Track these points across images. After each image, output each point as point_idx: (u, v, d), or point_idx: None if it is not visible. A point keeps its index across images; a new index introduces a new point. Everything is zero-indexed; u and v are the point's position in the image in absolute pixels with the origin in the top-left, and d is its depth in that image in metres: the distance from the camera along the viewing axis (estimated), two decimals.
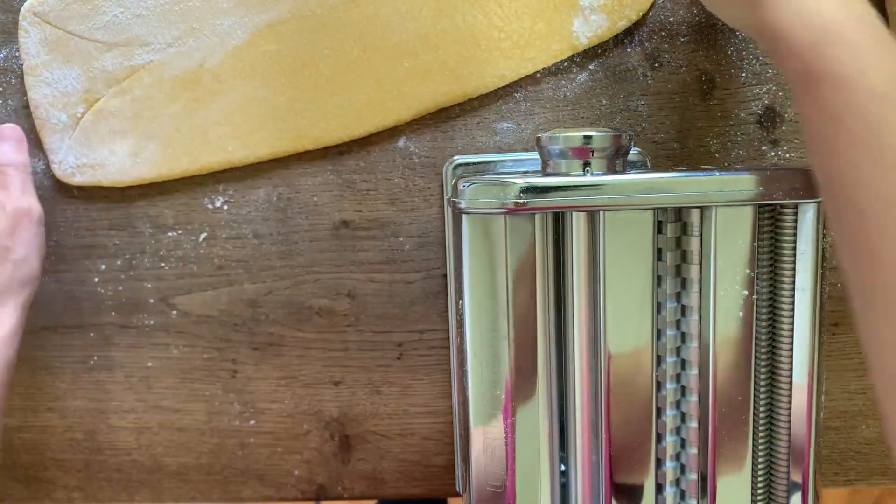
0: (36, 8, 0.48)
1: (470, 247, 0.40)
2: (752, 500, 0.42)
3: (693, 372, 0.41)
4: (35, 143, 0.50)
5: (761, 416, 0.41)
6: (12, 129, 0.48)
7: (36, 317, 0.53)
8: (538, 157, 0.42)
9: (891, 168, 0.29)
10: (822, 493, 0.43)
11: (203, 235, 0.51)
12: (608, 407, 0.41)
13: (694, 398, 0.41)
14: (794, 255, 0.40)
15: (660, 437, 0.42)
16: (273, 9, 0.46)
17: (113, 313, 0.53)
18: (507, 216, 0.39)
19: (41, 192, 0.52)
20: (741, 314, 0.40)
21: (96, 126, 0.49)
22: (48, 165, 0.50)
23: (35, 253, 0.47)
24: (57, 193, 0.52)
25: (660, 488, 0.42)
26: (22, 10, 0.48)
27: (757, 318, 0.40)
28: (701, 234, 0.40)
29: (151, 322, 0.53)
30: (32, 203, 0.47)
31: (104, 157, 0.49)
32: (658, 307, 0.41)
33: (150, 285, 0.52)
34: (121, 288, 0.52)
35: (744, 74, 0.48)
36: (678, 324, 0.41)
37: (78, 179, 0.50)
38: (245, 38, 0.46)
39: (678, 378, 0.42)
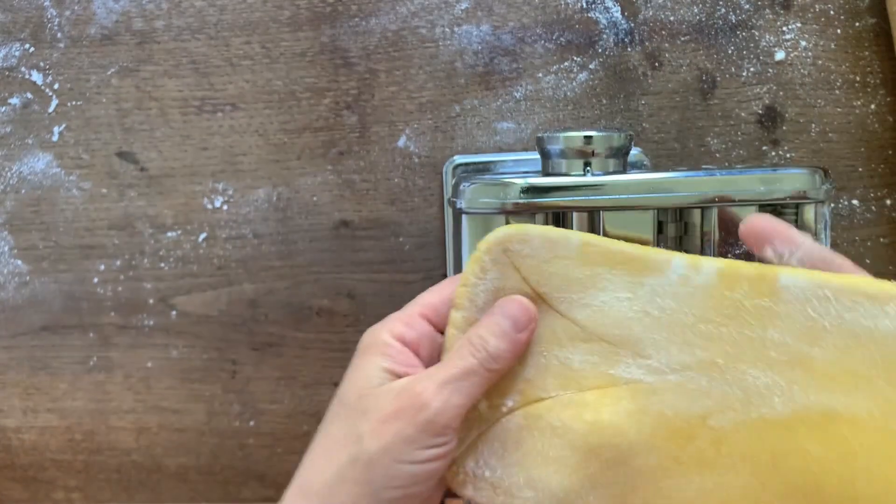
0: (513, 245, 0.34)
1: (470, 247, 0.40)
2: None
3: None
4: None
5: None
6: None
7: (36, 317, 0.53)
8: (538, 157, 0.42)
9: None
10: None
11: (203, 235, 0.51)
12: None
13: None
14: None
15: None
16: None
17: (112, 314, 0.53)
18: (507, 216, 0.39)
19: (41, 190, 0.52)
20: None
21: (523, 436, 0.33)
22: (47, 164, 0.50)
23: None
24: (57, 193, 0.52)
25: None
26: (493, 236, 0.34)
27: None
28: (702, 234, 0.40)
29: (151, 322, 0.53)
30: None
31: (515, 484, 0.33)
32: None
33: (149, 285, 0.52)
34: (120, 288, 0.52)
35: (744, 74, 0.47)
36: None
37: (469, 492, 0.34)
38: (772, 414, 0.31)
39: None
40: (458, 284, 0.34)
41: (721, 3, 0.47)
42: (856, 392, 0.30)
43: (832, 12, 0.47)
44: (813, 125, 0.48)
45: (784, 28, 0.47)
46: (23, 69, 0.51)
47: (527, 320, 0.33)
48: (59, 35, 0.50)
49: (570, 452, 0.33)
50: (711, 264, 0.32)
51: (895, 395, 0.30)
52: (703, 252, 0.40)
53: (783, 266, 0.32)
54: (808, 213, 0.39)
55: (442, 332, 0.34)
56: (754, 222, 0.34)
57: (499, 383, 0.33)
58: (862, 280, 0.31)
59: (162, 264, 0.52)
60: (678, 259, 0.33)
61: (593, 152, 0.40)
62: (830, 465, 0.30)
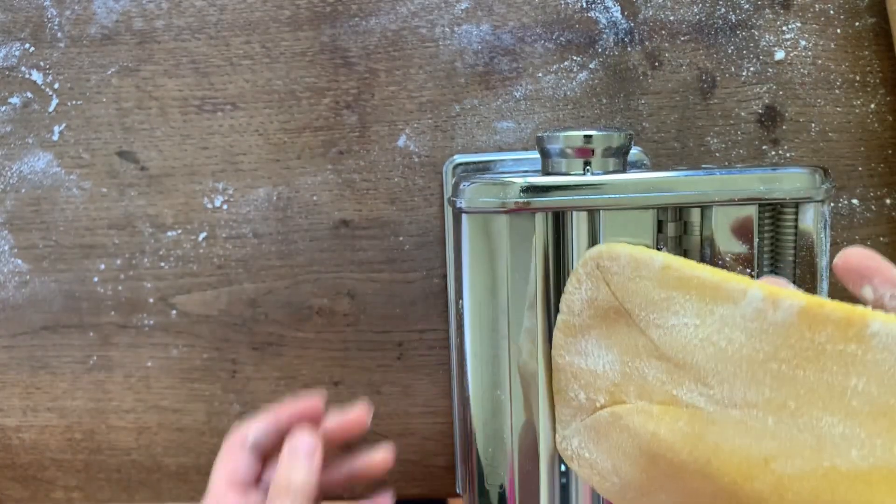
0: (604, 262, 0.37)
1: (470, 247, 0.40)
2: None
3: None
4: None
5: None
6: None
7: (36, 317, 0.53)
8: (538, 156, 0.42)
9: None
10: None
11: (203, 235, 0.51)
12: None
13: None
14: (795, 255, 0.40)
15: None
16: None
17: (112, 313, 0.53)
18: (507, 216, 0.39)
19: (41, 189, 0.52)
20: None
21: (610, 430, 0.36)
22: (47, 164, 0.50)
23: None
24: (57, 192, 0.52)
25: None
26: (589, 252, 0.37)
27: None
28: (701, 234, 0.40)
29: (151, 322, 0.53)
30: None
31: (606, 468, 0.37)
32: None
33: (149, 285, 0.52)
34: (120, 288, 0.52)
35: (744, 74, 0.48)
36: None
37: (575, 465, 0.39)
38: (848, 466, 0.29)
39: None
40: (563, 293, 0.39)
41: (721, 2, 0.47)
42: None
43: (832, 12, 0.47)
44: (813, 124, 0.48)
45: (784, 28, 0.47)
46: (23, 69, 0.51)
47: (311, 449, 0.39)
48: (59, 35, 0.50)
49: (639, 454, 0.35)
50: (792, 301, 0.30)
51: None
52: (702, 252, 0.40)
53: (875, 310, 0.29)
54: (808, 212, 0.39)
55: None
56: (852, 258, 0.31)
57: (594, 382, 0.37)
58: None
59: (162, 264, 0.52)
60: (755, 291, 0.31)
61: (593, 152, 0.40)
62: None
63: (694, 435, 0.33)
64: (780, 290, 0.31)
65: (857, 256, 0.31)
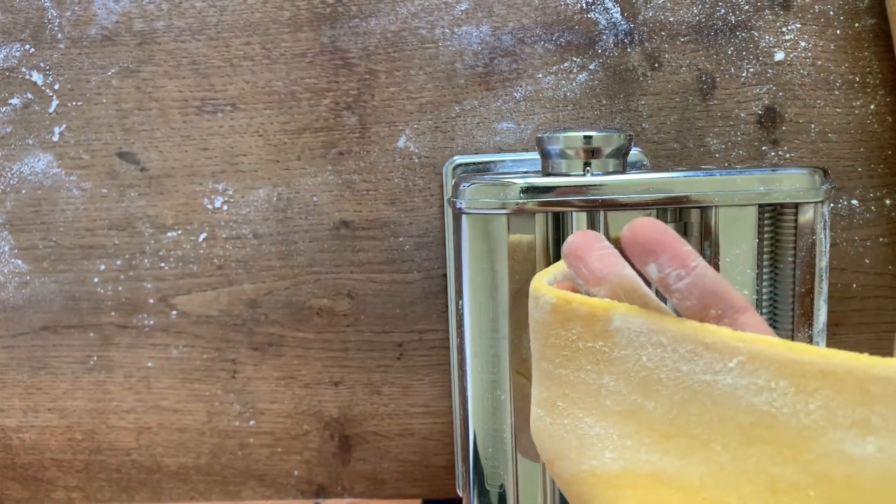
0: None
1: (470, 247, 0.40)
2: None
3: None
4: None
5: None
6: None
7: (36, 317, 0.53)
8: (538, 157, 0.42)
9: None
10: None
11: (203, 235, 0.51)
12: None
13: None
14: (795, 255, 0.40)
15: None
16: None
17: (112, 313, 0.53)
18: (507, 216, 0.39)
19: (41, 190, 0.52)
20: None
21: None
22: (47, 165, 0.50)
23: None
24: (57, 193, 0.52)
25: None
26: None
27: None
28: (701, 234, 0.40)
29: (151, 322, 0.53)
30: None
31: None
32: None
33: (149, 285, 0.52)
34: (120, 288, 0.52)
35: (744, 74, 0.48)
36: None
37: None
38: (602, 469, 0.28)
39: None
40: None
41: (721, 3, 0.47)
42: (690, 455, 0.26)
43: (832, 13, 0.47)
44: (812, 125, 0.48)
45: (783, 28, 0.47)
46: (23, 70, 0.51)
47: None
48: (59, 36, 0.50)
49: None
50: (547, 298, 0.29)
51: (729, 463, 0.25)
52: (703, 253, 0.40)
53: (617, 304, 0.27)
54: (808, 213, 0.39)
55: None
56: (639, 230, 0.27)
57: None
58: (703, 328, 0.26)
59: (162, 264, 0.52)
60: (533, 285, 0.30)
61: (593, 152, 0.40)
62: None
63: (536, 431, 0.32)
64: (541, 286, 0.29)
65: (645, 228, 0.27)
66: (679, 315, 0.27)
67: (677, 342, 0.26)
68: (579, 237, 0.30)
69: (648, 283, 0.28)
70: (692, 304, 0.27)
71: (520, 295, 0.40)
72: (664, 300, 0.31)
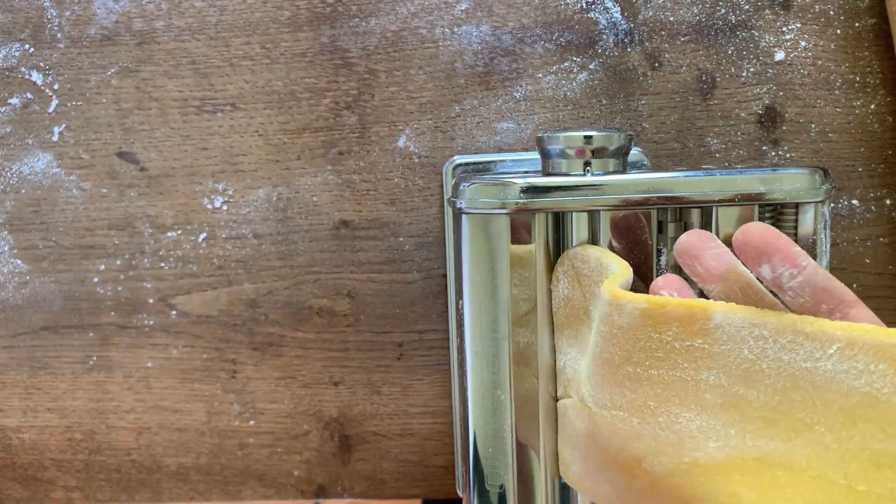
0: (577, 263, 0.38)
1: (470, 247, 0.40)
2: None
3: None
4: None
5: None
6: None
7: (36, 317, 0.53)
8: (538, 157, 0.42)
9: None
10: None
11: (203, 235, 0.51)
12: None
13: None
14: None
15: None
16: None
17: (112, 313, 0.53)
18: (507, 216, 0.39)
19: (41, 190, 0.52)
20: None
21: (563, 421, 0.39)
22: (47, 164, 0.50)
23: None
24: (57, 193, 0.52)
25: None
26: (567, 252, 0.39)
27: None
28: None
29: (151, 322, 0.53)
30: None
31: (565, 457, 0.39)
32: None
33: (149, 285, 0.52)
34: (120, 288, 0.52)
35: (744, 74, 0.48)
36: None
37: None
38: (706, 459, 0.29)
39: None
40: None
41: (721, 3, 0.47)
42: (794, 438, 0.28)
43: (832, 12, 0.47)
44: (813, 125, 0.48)
45: (784, 28, 0.47)
46: (23, 69, 0.51)
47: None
48: (59, 35, 0.50)
49: (580, 445, 0.36)
50: (634, 304, 0.30)
51: (834, 443, 0.27)
52: None
53: (716, 302, 0.29)
54: (808, 213, 0.39)
55: None
56: (752, 233, 0.29)
57: (559, 377, 0.39)
58: (802, 319, 0.28)
59: (162, 264, 0.52)
60: (604, 293, 0.31)
61: (593, 152, 0.40)
62: None
63: (586, 431, 0.34)
64: (622, 294, 0.31)
65: (758, 232, 0.29)
66: (791, 312, 0.29)
67: (778, 334, 0.28)
68: (693, 236, 0.32)
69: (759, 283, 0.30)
70: (805, 301, 0.29)
71: (520, 295, 0.40)
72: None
